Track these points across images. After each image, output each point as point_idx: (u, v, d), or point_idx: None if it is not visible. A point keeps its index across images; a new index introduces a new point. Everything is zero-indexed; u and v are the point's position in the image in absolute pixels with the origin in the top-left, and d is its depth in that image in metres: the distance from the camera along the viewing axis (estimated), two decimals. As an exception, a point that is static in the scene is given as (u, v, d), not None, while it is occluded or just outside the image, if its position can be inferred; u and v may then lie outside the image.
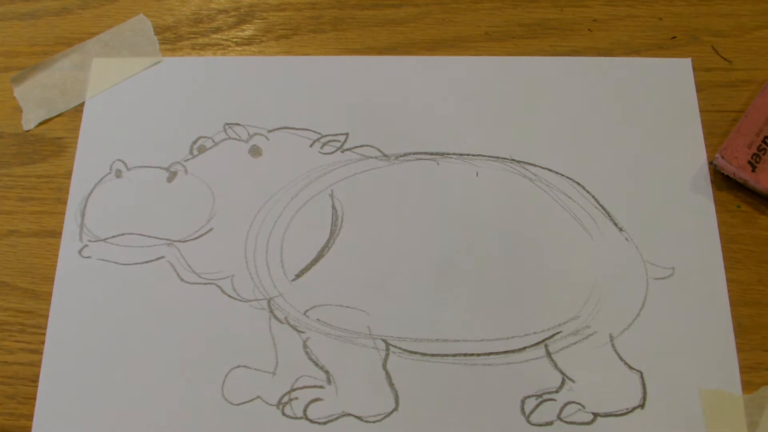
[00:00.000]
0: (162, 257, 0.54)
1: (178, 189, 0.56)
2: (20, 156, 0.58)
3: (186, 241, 0.55)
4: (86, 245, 0.55)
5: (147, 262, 0.54)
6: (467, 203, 0.55)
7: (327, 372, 0.51)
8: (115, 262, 0.54)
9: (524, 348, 0.51)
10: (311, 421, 0.50)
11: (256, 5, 0.64)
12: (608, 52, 0.60)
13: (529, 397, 0.50)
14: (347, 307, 0.52)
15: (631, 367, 0.50)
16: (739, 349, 0.50)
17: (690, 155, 0.56)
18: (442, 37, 0.61)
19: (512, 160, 0.56)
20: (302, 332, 0.52)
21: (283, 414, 0.50)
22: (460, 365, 0.51)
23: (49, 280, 0.54)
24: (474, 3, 0.63)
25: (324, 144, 0.57)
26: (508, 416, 0.49)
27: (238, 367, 0.51)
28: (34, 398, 0.51)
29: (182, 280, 0.53)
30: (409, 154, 0.57)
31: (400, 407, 0.50)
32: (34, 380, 0.51)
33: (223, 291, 0.53)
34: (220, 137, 0.58)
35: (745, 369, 0.50)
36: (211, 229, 0.55)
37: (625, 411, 0.49)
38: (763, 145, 0.55)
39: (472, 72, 0.59)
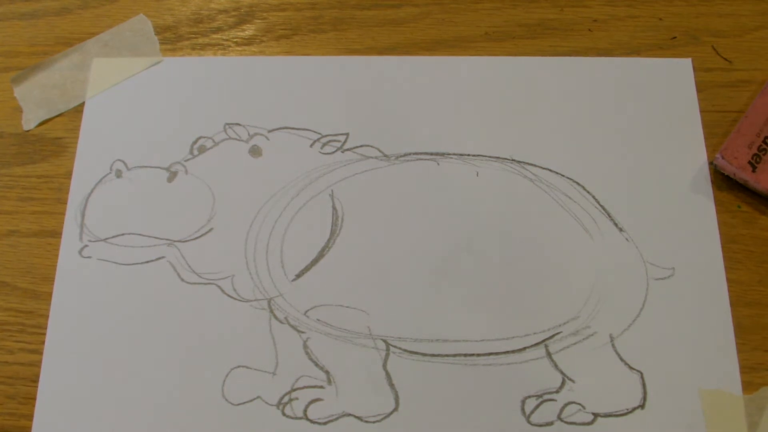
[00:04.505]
0: (162, 257, 0.54)
1: (178, 189, 0.56)
2: (20, 156, 0.58)
3: (186, 241, 0.54)
4: (86, 245, 0.55)
5: (147, 262, 0.54)
6: (467, 203, 0.55)
7: (327, 372, 0.51)
8: (115, 262, 0.54)
9: (524, 348, 0.51)
10: (311, 422, 0.50)
11: (257, 5, 0.64)
12: (608, 52, 0.60)
13: (529, 397, 0.50)
14: (347, 307, 0.52)
15: (631, 368, 0.50)
16: (739, 350, 0.50)
17: (690, 155, 0.56)
18: (442, 37, 0.61)
19: (512, 160, 0.56)
20: (302, 332, 0.52)
21: (283, 414, 0.50)
22: (460, 365, 0.51)
23: (49, 280, 0.54)
24: (474, 3, 0.63)
25: (324, 144, 0.57)
26: (508, 416, 0.49)
27: (238, 367, 0.51)
28: (34, 398, 0.51)
29: (182, 280, 0.53)
30: (409, 154, 0.57)
31: (400, 407, 0.50)
32: (34, 380, 0.51)
33: (223, 291, 0.53)
34: (220, 137, 0.58)
35: (745, 369, 0.50)
36: (211, 229, 0.55)
37: (625, 411, 0.49)
38: (764, 146, 0.55)
39: (472, 72, 0.59)
